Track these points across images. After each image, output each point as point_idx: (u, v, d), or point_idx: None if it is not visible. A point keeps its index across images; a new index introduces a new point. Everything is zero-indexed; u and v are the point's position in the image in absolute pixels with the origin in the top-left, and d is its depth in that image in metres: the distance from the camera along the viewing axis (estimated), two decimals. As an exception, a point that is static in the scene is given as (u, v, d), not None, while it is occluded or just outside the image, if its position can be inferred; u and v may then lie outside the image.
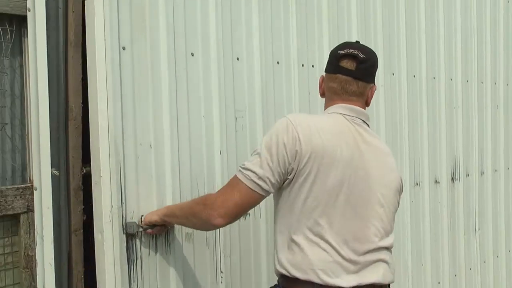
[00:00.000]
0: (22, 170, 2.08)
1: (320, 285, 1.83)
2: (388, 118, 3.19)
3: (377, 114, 3.12)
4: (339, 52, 1.99)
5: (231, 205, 1.81)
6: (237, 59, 2.49)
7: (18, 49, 2.06)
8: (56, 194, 2.07)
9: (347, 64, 1.96)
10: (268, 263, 2.58)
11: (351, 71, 1.96)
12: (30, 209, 2.02)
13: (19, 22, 2.04)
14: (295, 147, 1.81)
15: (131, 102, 2.14)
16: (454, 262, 3.73)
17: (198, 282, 2.34)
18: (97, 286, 2.11)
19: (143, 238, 2.16)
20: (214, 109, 2.39)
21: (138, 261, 2.15)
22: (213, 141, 2.38)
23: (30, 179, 2.05)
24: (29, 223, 2.02)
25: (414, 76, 3.37)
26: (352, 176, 1.87)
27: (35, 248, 2.01)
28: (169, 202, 2.23)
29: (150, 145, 2.19)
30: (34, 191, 2.02)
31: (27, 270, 2.02)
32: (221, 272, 2.41)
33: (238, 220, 2.39)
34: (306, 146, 1.82)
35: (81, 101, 2.15)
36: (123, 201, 2.10)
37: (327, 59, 2.07)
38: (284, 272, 1.89)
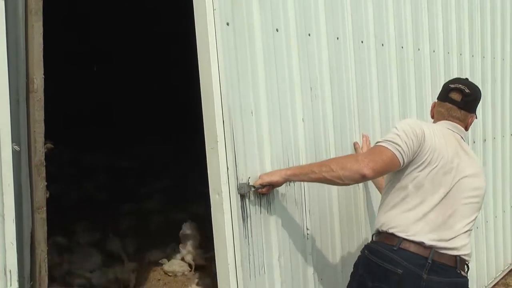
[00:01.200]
0: (-19, 146, 1.88)
1: (404, 238, 2.26)
2: (417, 90, 3.50)
3: (408, 89, 3.41)
4: (450, 85, 2.50)
5: (381, 163, 2.22)
6: (309, 35, 2.70)
7: (-26, 17, 1.85)
8: (17, 170, 1.93)
9: (455, 96, 2.46)
10: (341, 224, 2.83)
11: (457, 101, 2.45)
12: (-10, 187, 1.84)
13: (-26, -12, 1.84)
14: (422, 138, 2.27)
15: (235, 73, 2.32)
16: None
17: (292, 237, 2.54)
18: (215, 245, 2.28)
19: (251, 198, 2.34)
20: (295, 77, 2.60)
21: (248, 219, 2.33)
22: (295, 108, 2.59)
23: (-11, 155, 1.87)
24: None
25: (434, 51, 3.69)
26: (452, 173, 2.30)
27: (-4, 227, 1.87)
28: (268, 166, 2.42)
29: (252, 112, 2.37)
30: None
31: None
32: (307, 229, 2.63)
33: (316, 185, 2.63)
34: (427, 140, 2.28)
35: (43, 72, 2.01)
36: (236, 164, 2.28)
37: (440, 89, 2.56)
38: (382, 226, 2.34)
